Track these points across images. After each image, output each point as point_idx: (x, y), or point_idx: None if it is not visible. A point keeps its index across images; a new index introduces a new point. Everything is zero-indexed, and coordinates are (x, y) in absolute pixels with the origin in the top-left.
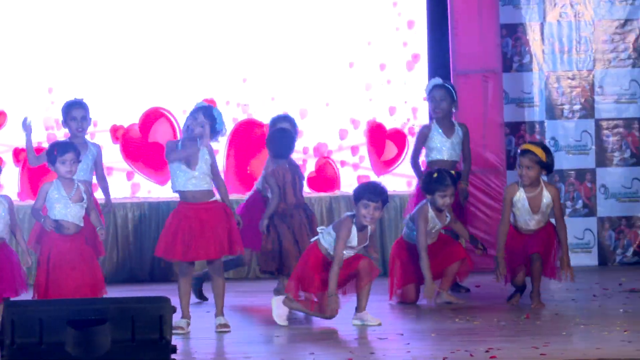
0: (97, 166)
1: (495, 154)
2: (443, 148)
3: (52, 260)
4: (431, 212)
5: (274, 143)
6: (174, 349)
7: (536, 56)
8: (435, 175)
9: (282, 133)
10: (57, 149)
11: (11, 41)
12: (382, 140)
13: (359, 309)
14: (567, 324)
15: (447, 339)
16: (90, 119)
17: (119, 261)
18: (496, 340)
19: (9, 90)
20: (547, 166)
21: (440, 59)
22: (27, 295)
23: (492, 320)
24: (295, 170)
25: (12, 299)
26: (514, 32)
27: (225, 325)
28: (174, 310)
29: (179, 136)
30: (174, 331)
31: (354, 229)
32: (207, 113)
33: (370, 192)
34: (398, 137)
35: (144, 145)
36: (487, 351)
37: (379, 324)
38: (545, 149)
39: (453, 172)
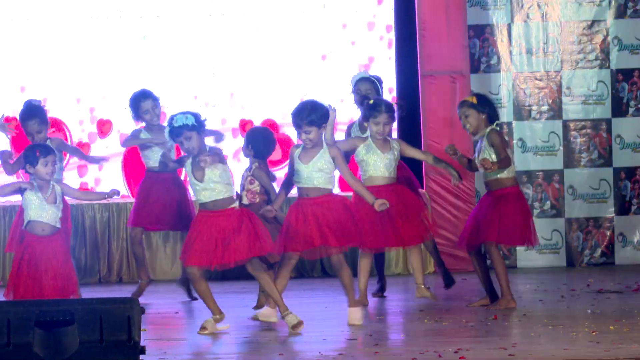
0: None
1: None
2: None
3: (25, 261)
4: (369, 141)
5: (258, 143)
6: (142, 350)
7: (504, 57)
8: (370, 102)
9: (267, 134)
10: (39, 150)
11: None
12: None
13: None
14: (535, 325)
15: (415, 339)
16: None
17: (88, 262)
18: (465, 340)
19: None
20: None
21: (407, 60)
22: None
23: (461, 321)
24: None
25: None
26: (481, 33)
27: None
28: (142, 311)
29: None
30: (202, 331)
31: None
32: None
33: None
34: None
35: None
36: (455, 352)
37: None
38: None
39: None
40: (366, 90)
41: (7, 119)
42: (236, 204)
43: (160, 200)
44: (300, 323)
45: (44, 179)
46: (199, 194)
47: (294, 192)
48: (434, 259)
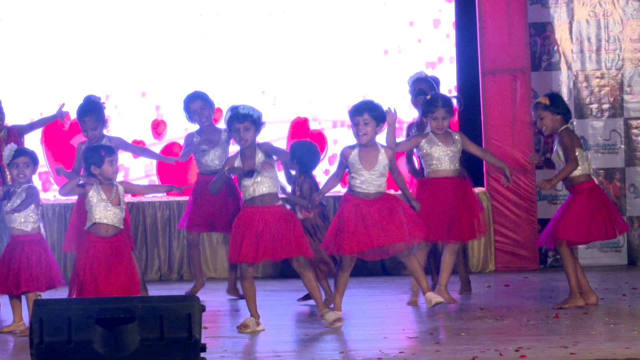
0: None
1: (524, 153)
2: None
3: (89, 262)
4: (431, 135)
5: (303, 156)
6: (203, 348)
7: (565, 55)
8: (427, 97)
9: (311, 147)
10: (103, 150)
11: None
12: None
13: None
14: (596, 323)
15: (476, 338)
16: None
17: (148, 260)
18: (526, 339)
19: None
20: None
21: (468, 59)
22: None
23: (522, 319)
24: None
25: (43, 296)
26: (542, 31)
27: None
28: (203, 308)
29: None
30: (244, 330)
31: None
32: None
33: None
34: None
35: None
36: (516, 350)
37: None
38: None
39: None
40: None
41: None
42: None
43: (213, 203)
44: (339, 319)
45: (110, 178)
46: (247, 189)
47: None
48: (461, 261)
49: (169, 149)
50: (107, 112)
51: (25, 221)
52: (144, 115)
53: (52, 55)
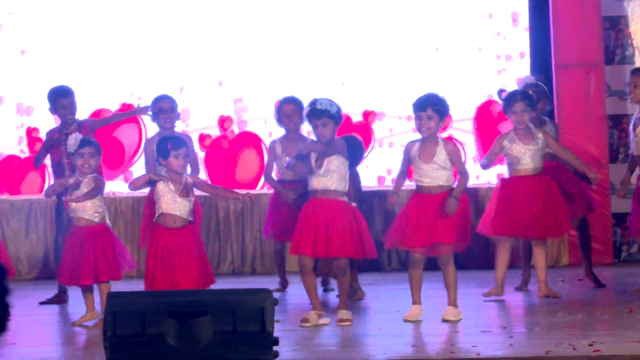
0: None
1: (598, 147)
2: None
3: (159, 254)
4: (512, 134)
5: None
6: (275, 341)
7: (639, 48)
8: (505, 93)
9: (355, 142)
10: (171, 143)
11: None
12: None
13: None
14: None
15: (549, 332)
16: (179, 113)
17: (221, 253)
18: (599, 334)
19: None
20: None
21: (542, 53)
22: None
23: (595, 313)
24: None
25: (118, 285)
26: (616, 25)
27: (347, 320)
28: (275, 302)
29: (143, 138)
30: (304, 324)
31: None
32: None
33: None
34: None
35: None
36: (590, 345)
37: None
38: None
39: None
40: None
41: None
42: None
43: (290, 211)
44: (349, 319)
45: (175, 171)
46: (314, 181)
47: None
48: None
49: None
50: (182, 105)
51: (93, 212)
52: (220, 107)
53: (125, 48)
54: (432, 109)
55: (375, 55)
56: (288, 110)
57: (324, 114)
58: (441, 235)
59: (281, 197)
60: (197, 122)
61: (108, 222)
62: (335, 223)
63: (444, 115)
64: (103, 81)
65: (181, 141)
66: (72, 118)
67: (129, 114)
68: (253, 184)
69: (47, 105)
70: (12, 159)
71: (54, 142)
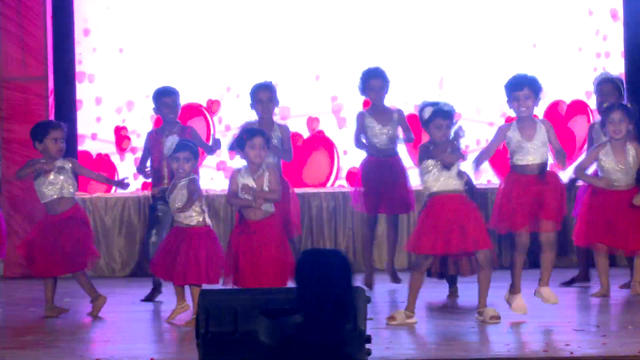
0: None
1: None
2: None
3: (242, 247)
4: (607, 147)
5: None
6: (368, 339)
7: None
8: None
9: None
10: (245, 134)
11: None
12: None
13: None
14: None
15: None
16: (278, 100)
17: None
18: None
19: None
20: None
21: (637, 50)
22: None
23: None
24: None
25: (206, 287)
26: None
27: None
28: (368, 300)
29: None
30: (391, 322)
31: None
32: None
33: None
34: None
35: None
36: None
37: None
38: None
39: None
40: (608, 91)
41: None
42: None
43: (382, 184)
44: (497, 316)
45: (252, 162)
46: (442, 182)
47: None
48: None
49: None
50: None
51: (189, 216)
52: (319, 100)
53: (220, 43)
54: (528, 88)
55: (472, 52)
56: (263, 97)
57: (449, 115)
58: (547, 213)
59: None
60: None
61: (208, 222)
62: (466, 217)
63: (539, 94)
64: (198, 77)
65: (256, 132)
66: (174, 118)
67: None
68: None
69: (142, 103)
70: (106, 157)
71: (153, 144)
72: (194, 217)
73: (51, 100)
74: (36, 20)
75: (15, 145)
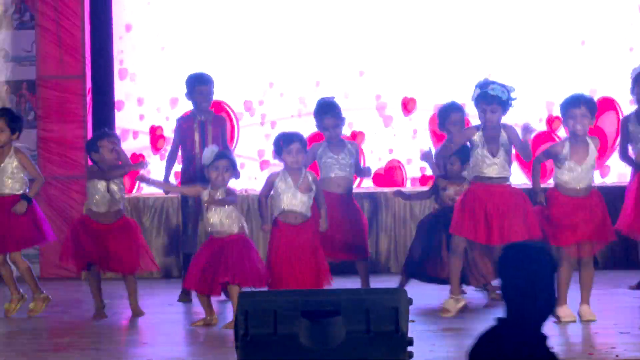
0: None
1: None
2: None
3: (280, 251)
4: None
5: None
6: (410, 341)
7: None
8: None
9: None
10: (282, 140)
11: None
12: None
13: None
14: None
15: None
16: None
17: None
18: None
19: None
20: None
21: None
22: None
23: None
24: None
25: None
26: None
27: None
28: (410, 302)
29: (236, 130)
30: (446, 314)
31: None
32: None
33: None
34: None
35: None
36: None
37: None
38: None
39: None
40: None
41: None
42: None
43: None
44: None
45: (290, 167)
46: (488, 168)
47: None
48: None
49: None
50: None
51: (229, 222)
52: (362, 99)
53: (262, 40)
54: (585, 107)
55: (519, 49)
56: (329, 124)
57: (494, 99)
58: (600, 235)
59: None
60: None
61: (245, 229)
62: (506, 209)
63: (594, 114)
64: (240, 74)
65: (293, 137)
66: (207, 106)
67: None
68: None
69: (185, 102)
70: (142, 157)
71: (184, 131)
72: (234, 224)
73: (89, 99)
74: (74, 18)
75: (51, 145)
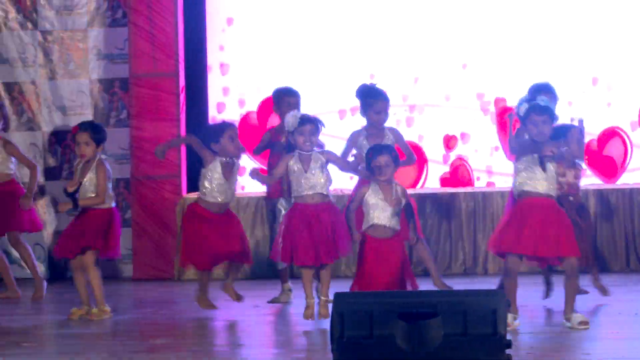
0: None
1: None
2: None
3: (367, 266)
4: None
5: None
6: (508, 344)
7: None
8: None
9: None
10: (372, 152)
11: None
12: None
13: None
14: None
15: None
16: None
17: (452, 253)
18: None
19: None
20: None
21: None
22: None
23: None
24: None
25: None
26: None
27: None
28: (508, 304)
29: None
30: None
31: None
32: None
33: None
34: None
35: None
36: None
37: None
38: None
39: None
40: None
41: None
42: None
43: None
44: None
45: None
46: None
47: None
48: None
49: None
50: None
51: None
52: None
53: (361, 36)
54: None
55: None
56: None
57: (546, 111)
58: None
59: None
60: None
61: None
62: (549, 220)
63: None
64: (303, 55)
65: (382, 148)
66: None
67: None
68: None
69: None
70: None
71: (274, 143)
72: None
73: (182, 97)
74: (167, 15)
75: (144, 144)
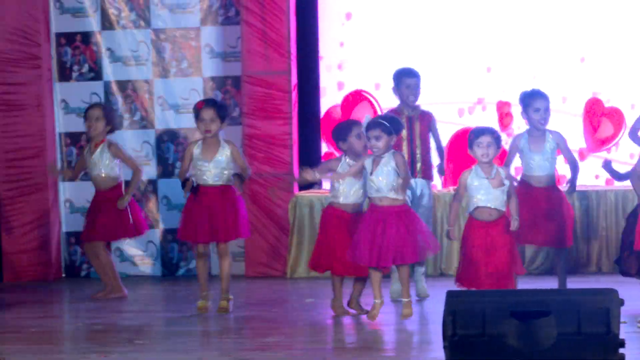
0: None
1: None
2: None
3: (474, 247)
4: None
5: None
6: (622, 343)
7: None
8: None
9: None
10: (473, 134)
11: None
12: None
13: None
14: None
15: None
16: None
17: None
18: None
19: None
20: None
21: None
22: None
23: None
24: None
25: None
26: None
27: None
28: (621, 302)
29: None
30: None
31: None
32: None
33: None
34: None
35: None
36: None
37: None
38: None
39: None
40: None
41: None
42: None
43: None
44: None
45: (482, 161)
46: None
47: None
48: None
49: None
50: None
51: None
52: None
53: (480, 29)
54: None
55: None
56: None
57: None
58: None
59: None
60: None
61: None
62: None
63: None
64: (423, 51)
65: (485, 131)
66: (414, 100)
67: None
68: None
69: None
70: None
71: None
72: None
73: (294, 94)
74: (279, 13)
75: (256, 141)
